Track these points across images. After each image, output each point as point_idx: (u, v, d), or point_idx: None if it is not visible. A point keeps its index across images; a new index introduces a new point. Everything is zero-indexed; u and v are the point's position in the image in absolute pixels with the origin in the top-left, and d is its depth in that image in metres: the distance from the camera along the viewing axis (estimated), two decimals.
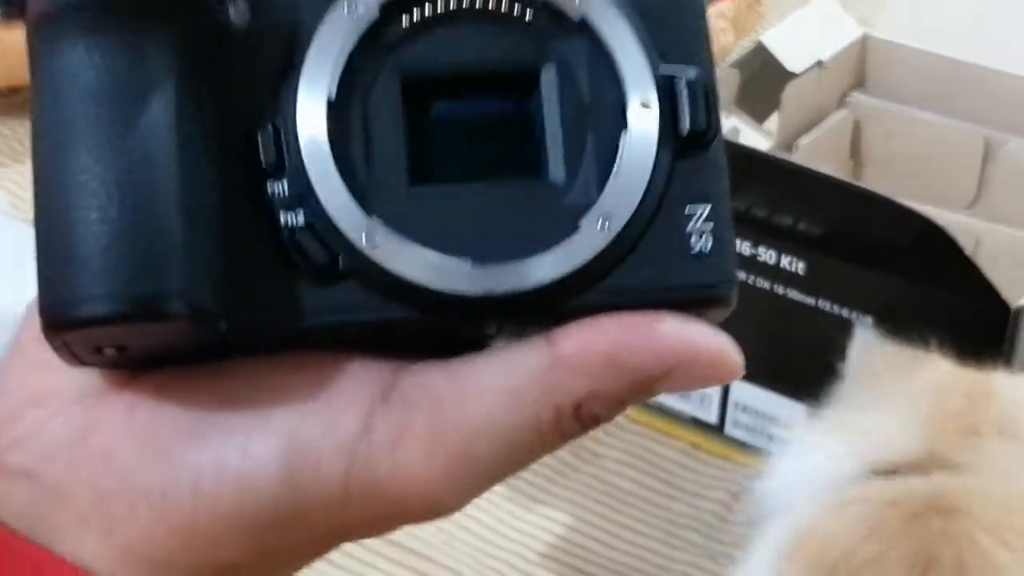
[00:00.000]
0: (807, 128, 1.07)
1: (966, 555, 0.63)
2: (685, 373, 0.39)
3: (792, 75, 1.05)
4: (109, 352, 0.38)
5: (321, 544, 0.40)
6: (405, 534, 0.89)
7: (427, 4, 0.38)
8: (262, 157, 0.38)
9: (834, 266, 0.85)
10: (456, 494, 0.39)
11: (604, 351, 0.38)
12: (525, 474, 0.94)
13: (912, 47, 1.10)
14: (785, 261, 0.87)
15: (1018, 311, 0.83)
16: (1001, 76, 1.06)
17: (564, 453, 0.96)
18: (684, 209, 0.38)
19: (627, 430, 0.98)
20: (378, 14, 0.38)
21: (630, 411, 0.98)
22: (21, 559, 0.38)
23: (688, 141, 0.38)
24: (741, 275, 0.91)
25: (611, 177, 0.38)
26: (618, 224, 0.38)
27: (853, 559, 0.64)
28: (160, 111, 0.36)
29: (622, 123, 0.38)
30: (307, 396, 0.38)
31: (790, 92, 1.04)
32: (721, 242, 0.39)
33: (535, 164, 0.39)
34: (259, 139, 0.38)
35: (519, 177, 0.38)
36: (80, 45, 0.37)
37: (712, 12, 1.29)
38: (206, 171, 0.37)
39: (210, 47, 0.37)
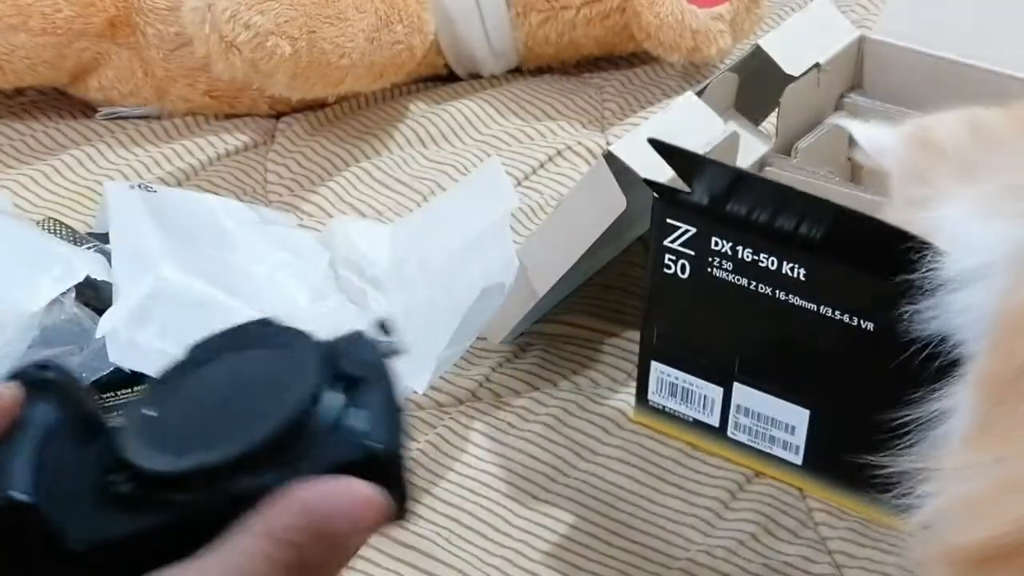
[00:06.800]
0: (805, 130, 1.07)
1: None
2: (327, 520, 0.51)
3: (790, 78, 1.05)
4: None
5: None
6: (408, 534, 0.90)
7: None
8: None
9: (834, 272, 0.86)
10: None
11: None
12: (525, 473, 0.95)
13: (909, 48, 1.11)
14: (786, 267, 0.88)
15: None
16: (999, 77, 1.06)
17: (564, 451, 0.97)
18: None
19: (625, 428, 0.98)
20: None
21: (630, 412, 0.99)
22: None
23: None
24: (743, 280, 0.92)
25: None
26: None
27: None
28: None
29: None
30: None
31: (789, 95, 1.05)
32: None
33: None
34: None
35: None
36: None
37: (711, 14, 1.30)
38: None
39: None
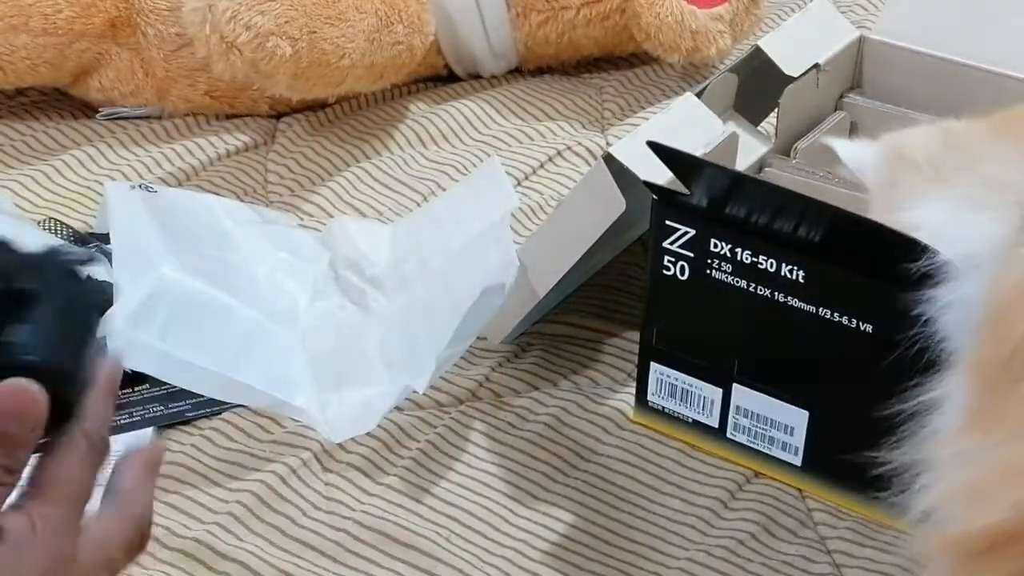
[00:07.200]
0: (804, 131, 1.07)
1: None
2: None
3: (790, 79, 1.05)
4: None
5: None
6: (408, 533, 0.90)
7: None
8: None
9: (833, 273, 0.86)
10: None
11: None
12: (525, 473, 0.95)
13: (908, 48, 1.11)
14: (785, 269, 0.88)
15: None
16: (998, 77, 1.06)
17: (564, 451, 0.97)
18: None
19: (625, 428, 0.98)
20: None
21: (630, 412, 0.99)
22: None
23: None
24: (742, 282, 0.93)
25: None
26: None
27: None
28: None
29: None
30: None
31: (788, 96, 1.05)
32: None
33: None
34: None
35: None
36: None
37: (710, 15, 1.30)
38: None
39: None
